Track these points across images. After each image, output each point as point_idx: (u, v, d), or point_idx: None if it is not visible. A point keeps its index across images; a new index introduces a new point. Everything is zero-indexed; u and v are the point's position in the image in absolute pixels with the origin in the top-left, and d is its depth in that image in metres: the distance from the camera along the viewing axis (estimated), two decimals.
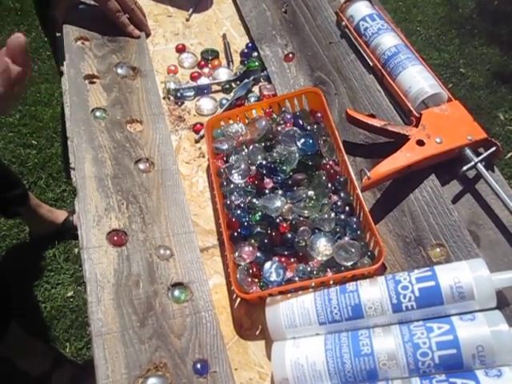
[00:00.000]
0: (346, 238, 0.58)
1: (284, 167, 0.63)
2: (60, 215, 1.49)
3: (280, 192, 0.62)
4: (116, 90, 0.76)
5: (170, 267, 0.60)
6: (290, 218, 0.60)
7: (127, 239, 0.62)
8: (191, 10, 0.90)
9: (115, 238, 0.62)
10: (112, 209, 0.64)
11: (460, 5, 2.20)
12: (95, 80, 0.77)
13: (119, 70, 0.78)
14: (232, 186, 0.63)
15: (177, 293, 0.58)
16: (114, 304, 0.57)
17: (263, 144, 0.66)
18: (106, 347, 0.54)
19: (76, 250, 1.47)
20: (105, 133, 0.71)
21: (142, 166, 0.69)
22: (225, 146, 0.67)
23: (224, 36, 0.86)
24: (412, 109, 0.66)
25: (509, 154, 1.69)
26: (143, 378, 0.52)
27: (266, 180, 0.63)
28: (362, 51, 0.75)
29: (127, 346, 0.54)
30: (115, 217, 0.64)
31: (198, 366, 0.53)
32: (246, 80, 0.79)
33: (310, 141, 0.64)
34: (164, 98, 0.79)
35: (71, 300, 1.41)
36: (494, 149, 0.62)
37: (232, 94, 0.79)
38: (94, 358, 0.54)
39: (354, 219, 0.60)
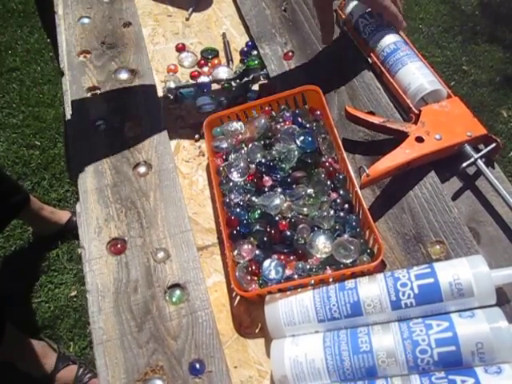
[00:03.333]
0: (346, 236, 0.58)
1: (283, 165, 0.63)
2: (63, 216, 1.50)
3: (279, 190, 0.62)
4: (115, 96, 0.77)
5: (167, 269, 0.60)
6: (289, 215, 0.60)
7: (126, 246, 0.63)
8: (191, 10, 0.91)
9: (115, 246, 0.63)
10: (111, 218, 0.65)
11: (462, 2, 2.19)
12: (96, 91, 0.78)
13: (118, 76, 0.79)
14: (231, 184, 0.63)
15: (173, 294, 0.59)
16: (113, 312, 0.58)
17: (262, 142, 0.66)
18: (106, 354, 0.55)
19: (79, 250, 1.47)
20: (104, 143, 0.72)
21: (140, 170, 0.69)
22: (224, 145, 0.67)
23: (224, 35, 0.86)
24: (411, 105, 0.66)
25: None
26: (141, 382, 0.53)
27: (266, 178, 0.63)
28: (361, 49, 0.75)
29: (126, 351, 0.55)
30: (114, 226, 0.64)
31: (194, 366, 0.53)
32: (246, 78, 0.79)
33: (309, 138, 0.64)
34: (164, 97, 0.79)
35: (74, 300, 1.42)
36: (493, 145, 0.61)
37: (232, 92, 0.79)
38: (96, 365, 0.55)
39: (354, 217, 0.59)
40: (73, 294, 1.42)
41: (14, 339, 1.15)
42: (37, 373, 1.22)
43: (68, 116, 0.76)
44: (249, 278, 0.57)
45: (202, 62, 0.83)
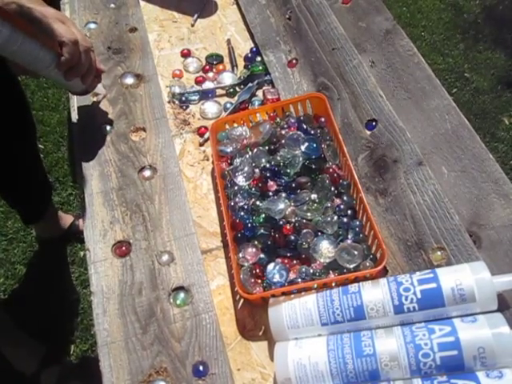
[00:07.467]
0: (349, 241, 0.59)
1: (288, 170, 0.64)
2: (67, 219, 1.50)
3: (284, 195, 0.63)
4: (121, 101, 0.78)
5: (171, 272, 0.61)
6: (294, 220, 0.61)
7: (131, 249, 0.63)
8: (196, 16, 0.92)
9: (120, 249, 0.64)
10: (117, 221, 0.66)
11: (464, 10, 2.20)
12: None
13: (124, 81, 0.80)
14: (236, 187, 0.64)
15: (178, 297, 0.59)
16: (118, 314, 0.58)
17: (267, 147, 0.67)
18: (111, 355, 0.55)
19: (81, 254, 1.48)
20: (110, 147, 0.73)
21: (145, 173, 0.70)
22: (229, 149, 0.68)
23: (228, 41, 0.87)
24: None
25: None
26: (145, 383, 0.53)
27: (270, 183, 0.64)
28: None
29: (130, 353, 0.56)
30: (120, 228, 0.65)
31: (198, 368, 0.54)
32: (250, 84, 0.80)
33: (314, 145, 0.64)
34: (169, 102, 0.80)
35: (76, 302, 1.42)
36: None
37: (236, 97, 0.80)
38: (100, 366, 0.55)
39: (357, 222, 0.60)
40: (74, 296, 1.42)
41: (4, 325, 1.16)
42: (21, 368, 1.21)
43: (74, 120, 0.77)
44: (253, 280, 0.58)
45: (207, 67, 0.84)
